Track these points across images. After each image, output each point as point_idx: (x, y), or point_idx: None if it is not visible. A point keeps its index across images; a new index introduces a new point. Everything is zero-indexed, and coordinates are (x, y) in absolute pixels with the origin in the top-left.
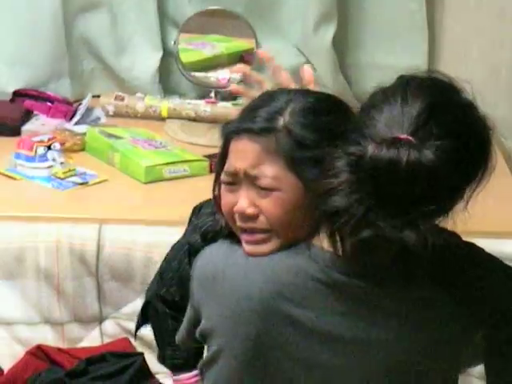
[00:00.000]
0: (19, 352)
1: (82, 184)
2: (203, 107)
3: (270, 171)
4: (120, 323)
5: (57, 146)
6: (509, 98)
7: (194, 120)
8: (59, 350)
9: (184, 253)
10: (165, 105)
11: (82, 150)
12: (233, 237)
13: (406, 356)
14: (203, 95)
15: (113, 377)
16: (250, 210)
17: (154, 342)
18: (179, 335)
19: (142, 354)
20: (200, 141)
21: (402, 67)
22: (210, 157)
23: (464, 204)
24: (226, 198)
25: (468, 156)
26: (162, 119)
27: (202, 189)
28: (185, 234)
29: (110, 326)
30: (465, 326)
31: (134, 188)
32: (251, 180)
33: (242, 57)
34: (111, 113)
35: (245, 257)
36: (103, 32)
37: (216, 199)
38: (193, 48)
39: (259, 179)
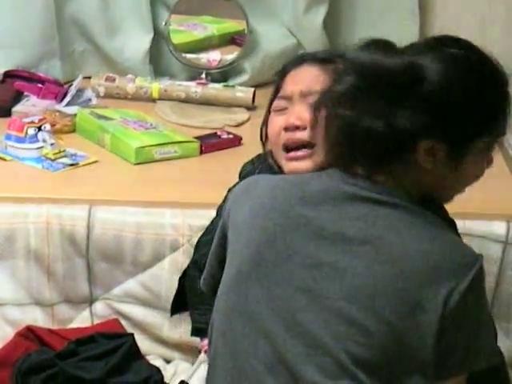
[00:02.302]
0: (9, 333)
1: (72, 165)
2: (194, 88)
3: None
4: (110, 304)
5: (47, 127)
6: None
7: (185, 101)
8: (49, 331)
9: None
10: (155, 86)
11: (73, 131)
12: None
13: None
14: (194, 76)
15: (103, 358)
16: (299, 122)
17: (144, 323)
18: (202, 281)
19: (132, 335)
20: (190, 122)
21: None
22: (200, 138)
23: None
24: (276, 121)
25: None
26: (153, 100)
27: (192, 170)
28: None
29: (100, 307)
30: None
31: (124, 169)
32: (304, 97)
33: (233, 38)
34: (102, 94)
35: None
36: (94, 13)
37: (264, 138)
38: (184, 29)
39: (312, 96)
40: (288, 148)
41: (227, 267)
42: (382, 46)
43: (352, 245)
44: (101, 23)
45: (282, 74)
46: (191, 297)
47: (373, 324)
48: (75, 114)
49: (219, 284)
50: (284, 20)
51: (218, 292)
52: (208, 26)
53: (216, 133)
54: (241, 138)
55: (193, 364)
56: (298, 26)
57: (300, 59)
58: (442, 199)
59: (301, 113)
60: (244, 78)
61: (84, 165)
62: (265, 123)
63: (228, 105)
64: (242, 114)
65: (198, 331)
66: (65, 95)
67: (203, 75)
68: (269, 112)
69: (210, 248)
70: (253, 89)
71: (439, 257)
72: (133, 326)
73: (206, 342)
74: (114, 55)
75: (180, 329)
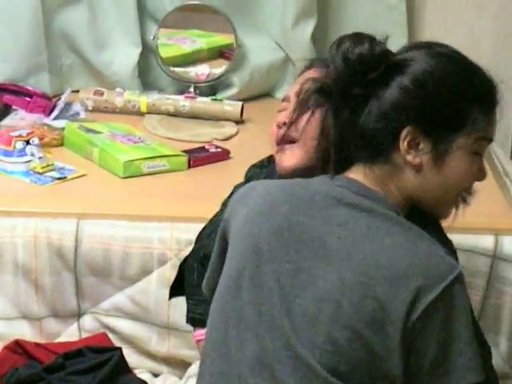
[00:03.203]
0: None
1: (60, 179)
2: (182, 102)
3: None
4: (98, 318)
5: (35, 140)
6: None
7: (173, 115)
8: (37, 344)
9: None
10: (144, 100)
11: (61, 144)
12: None
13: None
14: (182, 90)
15: (90, 372)
16: (286, 119)
17: (132, 337)
18: (205, 282)
19: (119, 349)
20: (179, 136)
21: None
22: (188, 152)
23: None
24: (274, 122)
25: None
26: (141, 114)
27: (180, 184)
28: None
29: (88, 321)
30: None
31: (112, 183)
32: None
33: (222, 52)
34: (90, 108)
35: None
36: (83, 27)
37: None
38: (172, 43)
39: None
40: (277, 142)
41: (222, 273)
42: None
43: (329, 251)
44: (89, 37)
45: (296, 77)
46: (187, 286)
47: (340, 332)
48: (63, 128)
49: None
50: (272, 33)
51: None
52: (196, 40)
53: (204, 147)
54: (229, 152)
55: (181, 378)
56: (287, 40)
57: (310, 63)
58: (434, 212)
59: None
60: (232, 91)
61: (72, 178)
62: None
63: (216, 118)
64: (230, 128)
65: (193, 321)
66: (53, 109)
67: (191, 89)
68: None
69: (210, 241)
70: (241, 103)
71: (408, 267)
72: (121, 340)
73: (197, 332)
74: (102, 69)
75: (168, 342)
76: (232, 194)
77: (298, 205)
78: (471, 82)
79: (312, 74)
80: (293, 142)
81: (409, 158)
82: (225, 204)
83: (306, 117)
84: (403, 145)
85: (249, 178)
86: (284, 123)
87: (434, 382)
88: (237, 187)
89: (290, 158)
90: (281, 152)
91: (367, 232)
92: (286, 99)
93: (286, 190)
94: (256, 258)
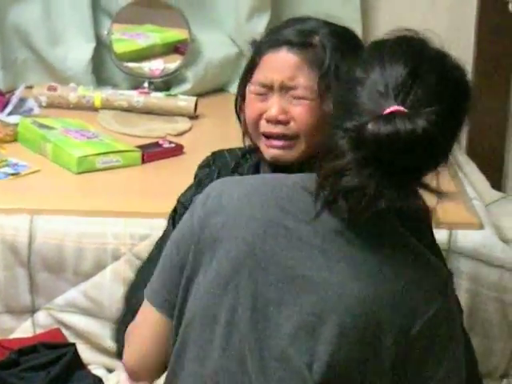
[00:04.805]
0: None
1: (14, 175)
2: (136, 98)
3: (305, 82)
4: (52, 314)
5: None
6: None
7: (127, 110)
8: None
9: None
10: (98, 95)
11: (15, 140)
12: None
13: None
14: (137, 86)
15: (45, 368)
16: (282, 117)
17: (86, 333)
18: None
19: (74, 345)
20: (133, 131)
21: None
22: (142, 147)
23: None
24: (255, 107)
25: (456, 110)
26: (96, 110)
27: (134, 179)
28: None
29: (42, 317)
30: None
31: (66, 178)
32: (286, 90)
33: (176, 47)
34: (44, 103)
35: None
36: (36, 22)
37: (238, 111)
38: (126, 38)
39: (295, 89)
40: (269, 136)
41: (203, 276)
42: None
43: (329, 260)
44: (43, 32)
45: (258, 51)
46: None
47: (337, 341)
48: (17, 124)
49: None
50: (226, 28)
51: (192, 297)
52: (151, 35)
53: (158, 142)
54: (182, 147)
55: None
56: (241, 35)
57: (277, 42)
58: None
59: (284, 106)
60: (186, 86)
61: (26, 174)
62: (240, 96)
63: (170, 114)
64: (183, 123)
65: None
66: (6, 104)
67: (146, 84)
68: (243, 85)
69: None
70: (195, 98)
71: (409, 283)
72: (75, 336)
73: None
74: (56, 64)
75: (122, 338)
76: (176, 208)
77: (292, 210)
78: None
79: (287, 58)
80: (287, 136)
81: None
82: (172, 219)
83: (304, 111)
84: None
85: (201, 181)
86: (278, 121)
87: None
88: (184, 195)
89: (291, 154)
90: (279, 147)
91: (369, 242)
92: (265, 86)
93: (274, 192)
94: (250, 265)
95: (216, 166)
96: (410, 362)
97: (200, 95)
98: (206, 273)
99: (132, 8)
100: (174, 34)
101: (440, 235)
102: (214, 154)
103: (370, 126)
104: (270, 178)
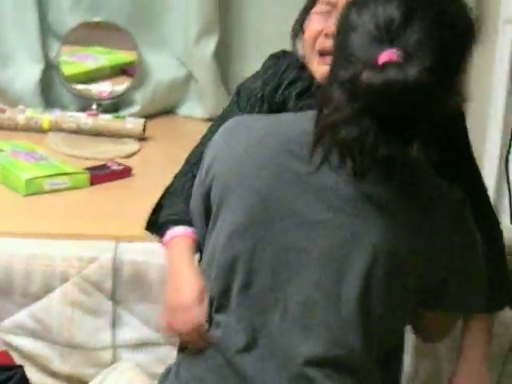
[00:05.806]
0: None
1: None
2: (84, 120)
3: None
4: (0, 336)
5: None
6: None
7: (76, 132)
8: None
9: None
10: (46, 117)
11: None
12: None
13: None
14: (85, 108)
15: None
16: None
17: (34, 355)
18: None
19: (21, 367)
20: (81, 153)
21: None
22: (90, 169)
23: None
24: (315, 25)
25: (455, 51)
26: (44, 132)
27: (82, 201)
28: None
29: None
30: None
31: (14, 201)
32: None
33: (125, 69)
34: None
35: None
36: None
37: (295, 28)
38: (75, 60)
39: None
40: (323, 53)
41: (221, 222)
42: None
43: (346, 204)
44: None
45: None
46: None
47: (360, 279)
48: None
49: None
50: (175, 50)
51: (211, 248)
52: (99, 57)
53: (106, 164)
54: (131, 169)
55: None
56: (189, 56)
57: None
58: None
59: None
60: (135, 108)
61: None
62: (300, 21)
63: (118, 136)
64: (132, 145)
65: (173, 223)
66: None
67: (94, 106)
68: (306, 10)
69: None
70: (143, 120)
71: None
72: (23, 358)
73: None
74: (4, 86)
75: (70, 361)
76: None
77: (303, 154)
78: None
79: None
80: None
81: None
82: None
83: None
84: None
85: (247, 94)
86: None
87: None
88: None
89: None
90: (325, 62)
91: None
92: (330, 3)
93: (286, 140)
94: (264, 213)
95: (286, 60)
96: None
97: (148, 117)
98: (223, 222)
99: (80, 29)
100: (123, 56)
101: None
102: (285, 52)
103: (362, 77)
104: (285, 120)
